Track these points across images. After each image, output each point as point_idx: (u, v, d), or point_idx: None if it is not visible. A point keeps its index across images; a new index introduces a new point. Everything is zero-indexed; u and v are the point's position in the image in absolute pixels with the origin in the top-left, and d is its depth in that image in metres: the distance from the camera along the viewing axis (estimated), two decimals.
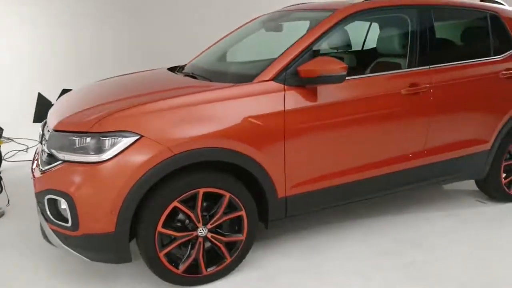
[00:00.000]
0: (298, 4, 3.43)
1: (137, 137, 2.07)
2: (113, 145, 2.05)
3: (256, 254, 2.69)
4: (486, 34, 3.21)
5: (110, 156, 2.04)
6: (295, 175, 2.48)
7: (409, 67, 2.81)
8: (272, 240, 2.89)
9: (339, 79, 2.38)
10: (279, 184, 2.44)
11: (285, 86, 2.41)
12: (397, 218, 3.21)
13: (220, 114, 2.25)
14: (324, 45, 2.72)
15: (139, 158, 2.06)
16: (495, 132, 3.16)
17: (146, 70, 3.32)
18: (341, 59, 3.13)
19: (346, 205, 2.88)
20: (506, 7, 3.37)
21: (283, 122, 2.36)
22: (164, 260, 2.25)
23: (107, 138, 2.05)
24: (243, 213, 2.39)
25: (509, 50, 3.22)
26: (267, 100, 2.37)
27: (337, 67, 2.34)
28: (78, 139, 2.09)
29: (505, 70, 3.12)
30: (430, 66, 2.85)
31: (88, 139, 2.08)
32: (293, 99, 2.41)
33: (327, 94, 2.49)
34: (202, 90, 2.39)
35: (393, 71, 2.79)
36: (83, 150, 2.08)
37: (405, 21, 2.88)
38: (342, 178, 2.63)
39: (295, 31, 2.73)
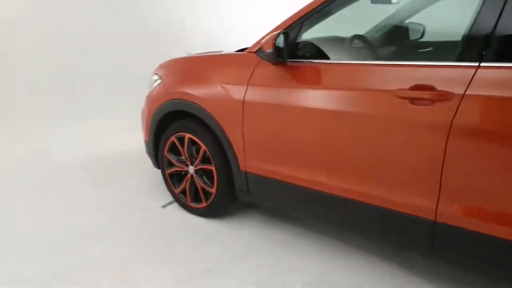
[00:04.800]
0: None
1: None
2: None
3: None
4: None
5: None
6: (253, 152, 2.37)
7: (441, 59, 1.74)
8: None
9: (269, 57, 2.12)
10: (240, 155, 2.43)
11: (261, 61, 2.29)
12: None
13: (204, 75, 2.56)
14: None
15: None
16: None
17: None
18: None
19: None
20: None
21: (243, 95, 2.33)
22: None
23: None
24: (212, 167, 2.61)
25: None
26: (238, 70, 2.39)
27: (268, 43, 2.07)
28: None
29: None
30: (481, 63, 1.64)
31: None
32: (260, 75, 2.27)
33: (311, 78, 2.12)
34: (209, 55, 2.78)
35: (399, 62, 1.85)
36: None
37: None
38: (311, 180, 2.16)
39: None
